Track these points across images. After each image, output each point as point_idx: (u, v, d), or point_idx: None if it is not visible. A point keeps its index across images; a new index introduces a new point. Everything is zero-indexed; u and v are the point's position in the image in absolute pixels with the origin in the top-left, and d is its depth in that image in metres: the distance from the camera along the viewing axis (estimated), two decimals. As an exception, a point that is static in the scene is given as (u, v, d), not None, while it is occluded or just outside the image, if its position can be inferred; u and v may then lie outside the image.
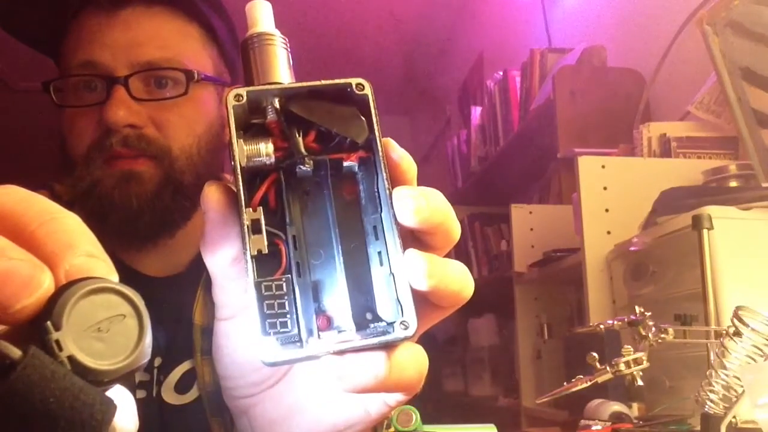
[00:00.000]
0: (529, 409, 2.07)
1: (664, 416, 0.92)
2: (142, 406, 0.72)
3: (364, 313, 0.30)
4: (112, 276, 0.25)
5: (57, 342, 0.22)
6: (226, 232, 0.32)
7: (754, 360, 0.66)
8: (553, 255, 1.86)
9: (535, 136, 2.23)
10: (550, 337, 1.99)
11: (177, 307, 0.74)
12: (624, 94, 1.93)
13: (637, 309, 0.80)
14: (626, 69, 1.98)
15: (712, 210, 1.06)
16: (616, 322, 0.83)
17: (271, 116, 0.31)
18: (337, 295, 0.31)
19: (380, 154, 0.30)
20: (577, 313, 1.95)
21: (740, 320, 0.66)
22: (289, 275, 0.30)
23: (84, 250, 0.24)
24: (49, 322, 0.22)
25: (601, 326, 0.85)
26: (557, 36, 2.63)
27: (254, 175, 0.31)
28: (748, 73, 1.34)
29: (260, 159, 0.30)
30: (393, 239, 0.30)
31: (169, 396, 0.73)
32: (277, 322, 0.29)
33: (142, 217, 0.70)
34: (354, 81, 0.31)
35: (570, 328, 1.88)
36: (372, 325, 0.30)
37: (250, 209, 0.29)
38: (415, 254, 0.29)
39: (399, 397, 0.34)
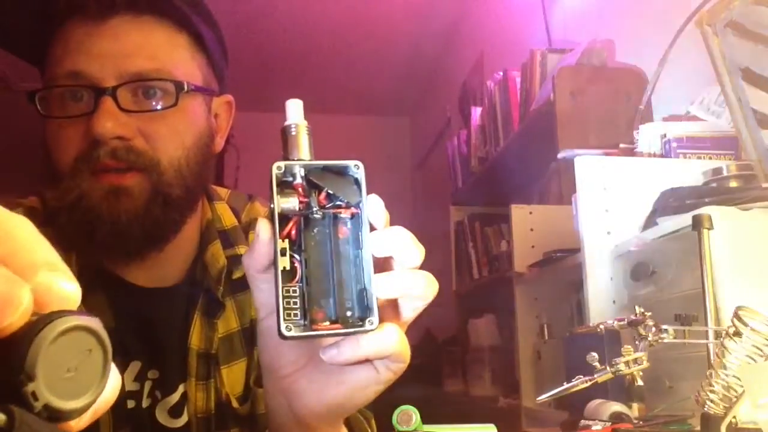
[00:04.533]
0: (529, 409, 2.07)
1: (664, 416, 0.92)
2: (132, 416, 0.71)
3: (348, 309, 0.47)
4: (73, 285, 0.25)
5: (33, 393, 0.23)
6: (266, 251, 0.47)
7: (754, 360, 0.66)
8: (553, 255, 1.86)
9: (535, 136, 2.23)
10: (550, 337, 1.99)
11: (167, 322, 0.74)
12: (624, 94, 1.93)
13: (637, 309, 0.80)
14: (626, 69, 1.98)
15: (712, 210, 1.06)
16: (616, 322, 0.83)
17: (298, 180, 0.46)
18: (330, 297, 0.47)
19: (364, 212, 0.47)
20: (577, 313, 1.95)
21: (740, 320, 0.66)
22: (301, 284, 0.46)
23: (44, 260, 0.25)
24: (22, 375, 0.22)
25: (601, 326, 0.84)
26: (557, 36, 2.63)
27: (285, 217, 0.46)
28: (748, 73, 1.34)
29: (291, 209, 0.46)
30: (368, 265, 0.46)
31: (163, 417, 0.73)
32: (291, 313, 0.45)
33: (131, 232, 0.68)
34: (352, 163, 0.47)
35: (570, 328, 1.88)
36: (350, 320, 0.46)
37: (281, 240, 0.45)
38: (379, 276, 0.46)
39: (392, 364, 0.49)
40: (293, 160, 0.47)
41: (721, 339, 0.68)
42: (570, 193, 1.65)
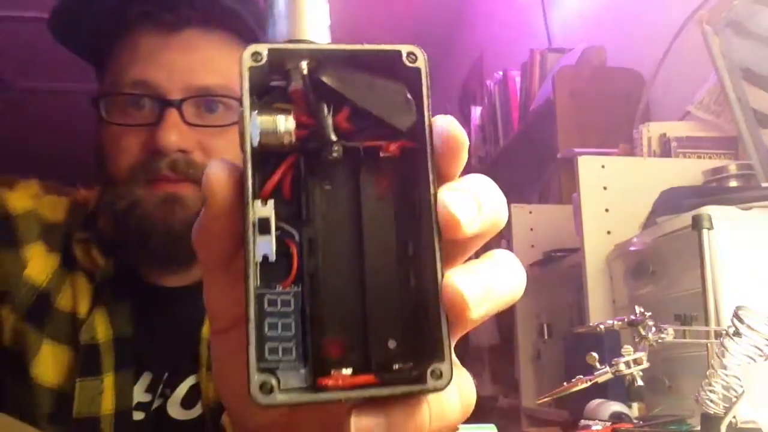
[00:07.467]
0: (529, 409, 2.07)
1: (664, 416, 0.92)
2: (140, 428, 0.70)
3: (387, 341, 0.25)
4: None
5: None
6: (227, 224, 0.25)
7: (754, 360, 0.66)
8: (553, 255, 1.86)
9: (535, 136, 2.23)
10: (550, 337, 1.99)
11: (187, 319, 0.73)
12: (624, 94, 1.93)
13: (637, 309, 0.80)
14: (626, 69, 1.98)
15: (712, 210, 1.06)
16: (616, 322, 0.83)
17: (296, 83, 0.24)
18: (355, 317, 0.25)
19: (428, 146, 0.25)
20: (577, 313, 1.95)
21: (740, 320, 0.66)
22: (298, 288, 0.24)
23: None
24: None
25: (601, 326, 0.84)
26: (557, 36, 2.63)
27: (268, 155, 0.24)
28: (748, 73, 1.34)
29: (278, 137, 0.24)
30: (432, 253, 0.24)
31: (175, 411, 0.72)
32: (279, 348, 0.23)
33: (183, 242, 0.68)
34: (405, 49, 0.25)
35: (570, 328, 1.88)
36: (396, 366, 0.24)
37: (259, 201, 0.24)
38: (459, 279, 0.24)
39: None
40: (285, 41, 0.26)
41: (721, 339, 0.68)
42: (570, 193, 1.64)
